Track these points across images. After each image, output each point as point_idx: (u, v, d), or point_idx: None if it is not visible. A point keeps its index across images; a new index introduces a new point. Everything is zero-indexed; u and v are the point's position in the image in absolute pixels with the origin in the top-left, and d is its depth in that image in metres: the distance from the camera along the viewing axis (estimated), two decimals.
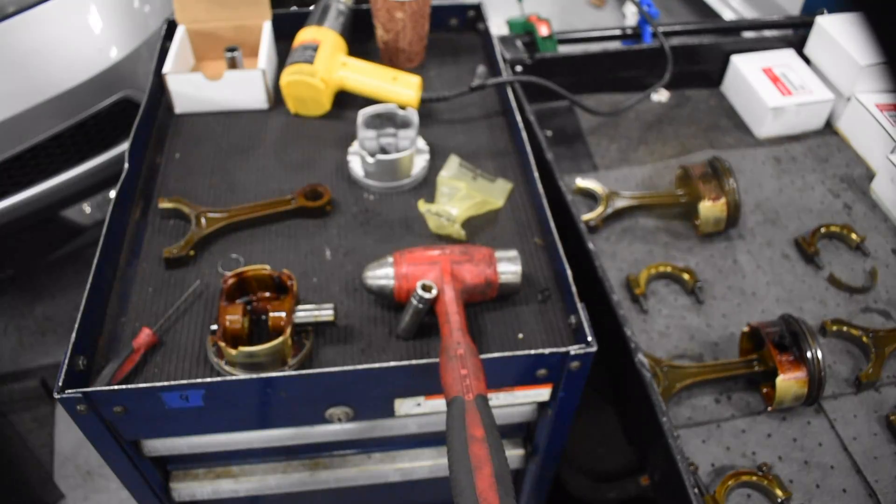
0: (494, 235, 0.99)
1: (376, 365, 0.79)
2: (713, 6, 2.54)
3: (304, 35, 1.15)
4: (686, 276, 1.13)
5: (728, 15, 2.47)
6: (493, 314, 0.90)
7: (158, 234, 0.99)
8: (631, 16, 1.87)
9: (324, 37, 1.14)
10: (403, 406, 0.85)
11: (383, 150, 1.04)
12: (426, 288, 0.82)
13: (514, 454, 1.03)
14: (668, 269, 1.14)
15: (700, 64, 1.47)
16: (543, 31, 1.43)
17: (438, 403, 0.86)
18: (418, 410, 0.86)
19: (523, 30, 1.47)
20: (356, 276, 0.93)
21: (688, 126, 1.42)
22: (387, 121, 1.07)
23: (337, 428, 0.89)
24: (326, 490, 0.99)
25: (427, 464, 0.98)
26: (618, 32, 1.56)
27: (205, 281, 0.93)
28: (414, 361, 0.80)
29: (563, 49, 1.45)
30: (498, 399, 0.87)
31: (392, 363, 0.80)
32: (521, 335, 0.88)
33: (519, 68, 1.35)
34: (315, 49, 1.12)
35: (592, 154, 1.36)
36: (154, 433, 0.87)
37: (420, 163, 1.05)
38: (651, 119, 1.43)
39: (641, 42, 1.49)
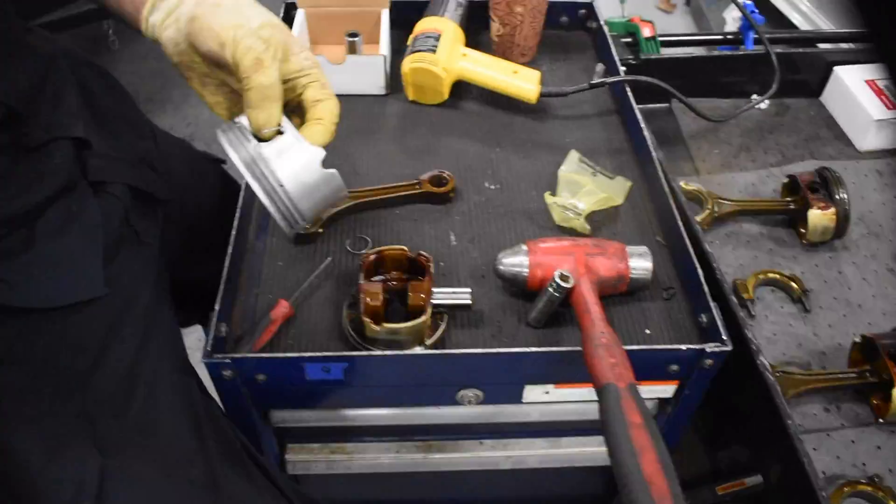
0: (615, 232, 1.00)
1: (514, 350, 0.81)
2: (793, 19, 2.51)
3: (426, 24, 1.17)
4: (794, 285, 1.13)
5: (800, 22, 2.44)
6: (620, 308, 0.91)
7: None
8: (731, 21, 1.86)
9: (445, 27, 1.15)
10: (532, 393, 0.86)
11: None
12: (564, 278, 0.83)
13: None
14: (776, 276, 1.14)
15: (800, 73, 1.46)
16: (646, 32, 1.43)
17: (566, 393, 0.87)
18: (546, 398, 0.87)
19: (624, 30, 1.47)
20: (482, 263, 0.95)
21: (788, 135, 1.42)
22: None
23: (462, 411, 0.90)
24: (434, 473, 1.00)
25: (538, 453, 0.99)
26: (719, 37, 1.55)
27: (333, 258, 0.94)
28: (550, 349, 0.81)
29: (664, 52, 1.45)
30: None
31: (529, 349, 0.81)
32: (647, 331, 0.89)
33: (623, 68, 1.35)
34: (437, 38, 1.13)
35: (693, 158, 1.36)
36: (287, 403, 0.89)
37: None
38: (751, 126, 1.43)
39: (743, 48, 1.49)
